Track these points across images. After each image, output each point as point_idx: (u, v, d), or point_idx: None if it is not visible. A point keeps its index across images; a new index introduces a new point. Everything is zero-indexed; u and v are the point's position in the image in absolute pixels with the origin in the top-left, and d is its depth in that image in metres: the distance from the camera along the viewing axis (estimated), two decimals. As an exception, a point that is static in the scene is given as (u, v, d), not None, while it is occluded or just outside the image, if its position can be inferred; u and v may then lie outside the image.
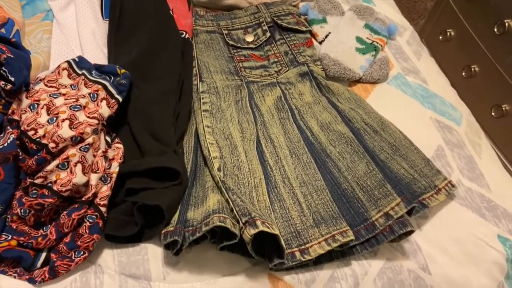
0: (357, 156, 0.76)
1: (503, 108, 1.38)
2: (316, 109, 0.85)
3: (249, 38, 0.97)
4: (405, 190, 0.71)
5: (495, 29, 1.38)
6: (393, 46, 1.04)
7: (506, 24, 1.33)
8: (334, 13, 1.05)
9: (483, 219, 0.77)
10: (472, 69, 1.50)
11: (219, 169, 0.70)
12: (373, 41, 0.99)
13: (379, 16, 1.06)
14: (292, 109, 0.86)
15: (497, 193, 0.82)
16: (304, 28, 0.99)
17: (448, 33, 1.62)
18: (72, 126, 0.64)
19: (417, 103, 0.92)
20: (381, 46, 0.99)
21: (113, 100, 0.70)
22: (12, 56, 0.68)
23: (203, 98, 0.82)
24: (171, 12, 0.91)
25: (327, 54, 0.93)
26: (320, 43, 1.00)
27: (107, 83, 0.71)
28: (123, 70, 0.75)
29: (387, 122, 0.82)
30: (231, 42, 0.96)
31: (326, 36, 1.00)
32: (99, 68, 0.76)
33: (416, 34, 1.11)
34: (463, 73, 1.54)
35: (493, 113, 1.42)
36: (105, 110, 0.68)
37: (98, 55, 0.85)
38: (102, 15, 0.92)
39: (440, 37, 1.67)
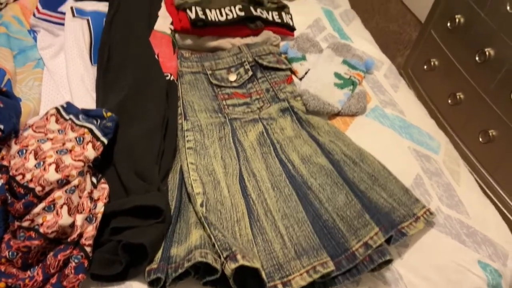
0: (336, 188, 0.78)
1: (490, 134, 1.40)
2: (297, 142, 0.88)
3: (232, 77, 1.01)
4: (384, 219, 0.73)
5: (477, 58, 1.42)
6: (371, 80, 1.08)
7: (487, 53, 1.37)
8: (313, 51, 1.09)
9: (463, 245, 0.78)
10: (458, 97, 1.53)
11: (201, 205, 0.73)
12: (350, 76, 1.03)
13: (357, 52, 1.10)
14: (274, 144, 0.88)
15: (476, 219, 0.83)
16: (284, 66, 1.03)
17: (432, 63, 1.66)
18: (58, 169, 0.67)
19: (395, 133, 0.95)
20: (359, 80, 1.03)
21: (99, 143, 0.73)
22: (2, 105, 0.72)
23: (187, 136, 0.85)
24: (156, 56, 0.95)
25: (307, 90, 0.96)
26: (300, 79, 1.04)
27: (93, 127, 0.74)
28: (109, 113, 0.78)
29: (366, 153, 0.85)
30: (215, 82, 1.00)
31: (306, 73, 1.04)
32: (86, 112, 0.79)
33: (394, 67, 1.15)
34: (449, 101, 1.57)
35: (480, 139, 1.44)
36: (90, 153, 0.71)
37: (87, 99, 0.88)
38: (91, 61, 0.96)
39: (425, 67, 1.71)
